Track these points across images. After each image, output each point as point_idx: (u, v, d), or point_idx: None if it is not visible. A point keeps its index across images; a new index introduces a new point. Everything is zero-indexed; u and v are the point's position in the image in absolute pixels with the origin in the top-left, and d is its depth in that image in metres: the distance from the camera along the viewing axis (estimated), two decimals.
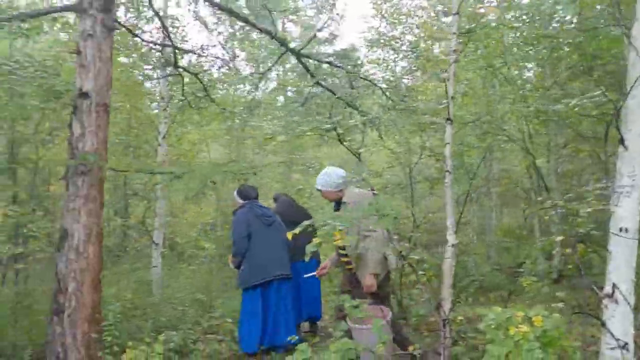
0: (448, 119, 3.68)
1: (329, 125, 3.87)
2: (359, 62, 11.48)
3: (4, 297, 5.39)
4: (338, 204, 4.12)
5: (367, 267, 3.87)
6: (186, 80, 7.01)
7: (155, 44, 5.73)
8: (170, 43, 5.60)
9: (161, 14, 6.77)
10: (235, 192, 5.09)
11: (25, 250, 5.49)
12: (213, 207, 9.60)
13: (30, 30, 4.62)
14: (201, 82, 6.29)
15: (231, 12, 5.02)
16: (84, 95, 4.14)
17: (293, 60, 10.97)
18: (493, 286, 7.35)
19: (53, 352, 3.96)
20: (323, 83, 5.54)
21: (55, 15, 5.00)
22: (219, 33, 7.45)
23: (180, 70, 6.13)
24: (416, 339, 4.55)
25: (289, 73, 15.41)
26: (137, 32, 6.06)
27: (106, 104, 4.27)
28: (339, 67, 5.53)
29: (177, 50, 5.87)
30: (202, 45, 7.09)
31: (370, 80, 5.47)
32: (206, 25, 9.77)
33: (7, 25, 4.18)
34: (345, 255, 4.04)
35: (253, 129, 8.47)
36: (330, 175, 4.08)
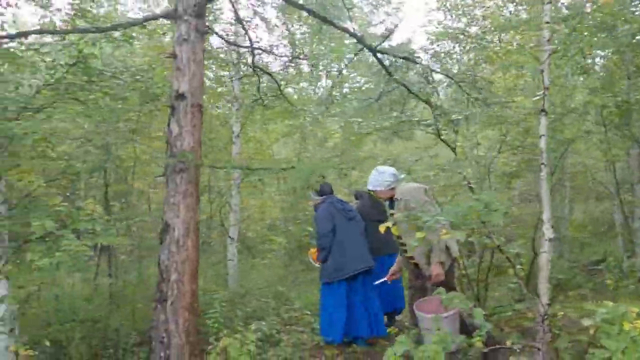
0: (542, 110, 3.62)
1: (430, 120, 3.89)
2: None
3: (104, 287, 5.80)
4: (392, 201, 4.15)
5: (432, 257, 3.89)
6: (252, 79, 7.25)
7: (238, 45, 5.95)
8: (250, 44, 5.80)
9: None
10: (313, 193, 5.23)
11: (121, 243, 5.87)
12: (279, 203, 9.82)
13: (124, 38, 4.94)
14: (276, 81, 6.47)
15: (311, 12, 5.13)
16: (180, 96, 4.39)
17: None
18: (572, 284, 7.11)
19: (157, 337, 4.24)
20: (398, 79, 5.56)
21: (140, 23, 5.32)
22: (288, 32, 7.58)
23: (257, 70, 6.33)
24: (496, 334, 4.50)
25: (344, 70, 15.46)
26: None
27: (200, 104, 4.51)
28: (415, 62, 5.52)
29: (254, 51, 6.07)
30: (271, 45, 7.31)
31: (447, 75, 5.44)
32: (269, 25, 10.03)
33: (109, 34, 4.48)
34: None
35: (322, 126, 8.60)
36: (381, 175, 4.14)
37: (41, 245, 3.63)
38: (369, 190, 4.30)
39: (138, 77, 4.43)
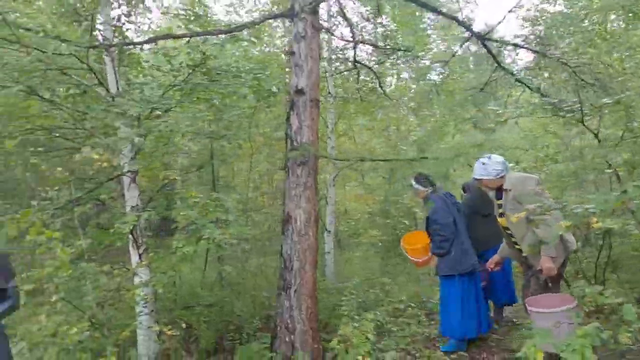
0: None
1: (568, 107, 3.74)
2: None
3: (216, 274, 6.11)
4: (499, 191, 3.94)
5: (545, 251, 3.67)
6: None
7: (347, 40, 6.04)
8: (353, 39, 5.87)
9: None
10: (414, 181, 5.07)
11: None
12: (372, 196, 9.80)
13: (233, 40, 5.18)
14: (376, 75, 6.51)
15: (421, 4, 5.10)
16: (299, 92, 4.55)
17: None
18: None
19: (282, 322, 4.45)
20: (507, 67, 5.39)
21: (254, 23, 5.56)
22: (382, 25, 7.57)
23: (358, 64, 6.40)
24: None
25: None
26: None
27: (318, 99, 4.65)
28: (524, 47, 5.33)
29: (356, 45, 6.14)
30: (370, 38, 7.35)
31: (560, 60, 5.19)
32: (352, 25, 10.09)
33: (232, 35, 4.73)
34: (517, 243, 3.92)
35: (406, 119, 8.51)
36: (489, 163, 3.89)
37: (183, 234, 3.93)
38: (474, 179, 4.14)
39: (259, 74, 4.62)
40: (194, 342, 4.88)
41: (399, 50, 6.09)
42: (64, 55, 4.28)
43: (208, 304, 5.05)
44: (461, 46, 5.37)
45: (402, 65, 7.87)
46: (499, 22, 5.16)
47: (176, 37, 4.87)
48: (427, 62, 7.57)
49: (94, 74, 4.49)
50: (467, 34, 5.30)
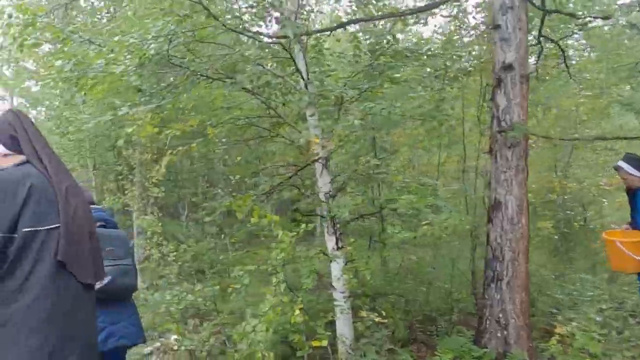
0: None
1: None
2: None
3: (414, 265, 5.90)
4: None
5: None
6: None
7: (541, 9, 5.50)
8: (543, 6, 5.31)
9: None
10: (625, 163, 4.42)
11: None
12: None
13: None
14: (562, 50, 5.85)
15: None
16: (508, 67, 4.18)
17: None
18: None
19: (492, 316, 4.14)
20: None
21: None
22: None
23: (542, 38, 5.80)
24: None
25: None
26: None
27: (527, 74, 4.25)
28: None
29: (545, 16, 5.55)
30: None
31: None
32: None
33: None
34: None
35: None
36: None
37: (398, 219, 3.80)
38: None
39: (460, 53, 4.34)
40: (387, 330, 4.78)
41: (598, 18, 5.40)
42: (263, 46, 4.40)
43: (399, 293, 4.92)
44: None
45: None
46: None
47: (366, 20, 4.77)
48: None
49: (294, 61, 4.55)
50: None
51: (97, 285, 2.14)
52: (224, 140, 5.59)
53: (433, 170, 6.23)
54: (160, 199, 8.04)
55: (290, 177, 4.60)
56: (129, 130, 4.62)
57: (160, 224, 6.41)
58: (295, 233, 3.72)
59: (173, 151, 4.36)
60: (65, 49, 4.42)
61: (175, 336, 5.68)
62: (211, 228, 7.28)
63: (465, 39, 6.09)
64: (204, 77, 4.47)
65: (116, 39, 3.74)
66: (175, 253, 6.20)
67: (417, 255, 5.46)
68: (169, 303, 4.63)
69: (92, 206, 2.49)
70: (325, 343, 3.92)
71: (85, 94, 5.33)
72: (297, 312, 3.67)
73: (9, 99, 29.73)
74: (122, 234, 2.81)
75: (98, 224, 2.55)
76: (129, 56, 3.83)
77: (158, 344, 5.63)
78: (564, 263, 7.37)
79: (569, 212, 8.19)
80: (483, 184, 5.04)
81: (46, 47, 9.05)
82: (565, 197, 7.91)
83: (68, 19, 5.81)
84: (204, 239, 6.95)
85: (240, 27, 4.65)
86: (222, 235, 6.57)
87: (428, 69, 5.03)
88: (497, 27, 4.28)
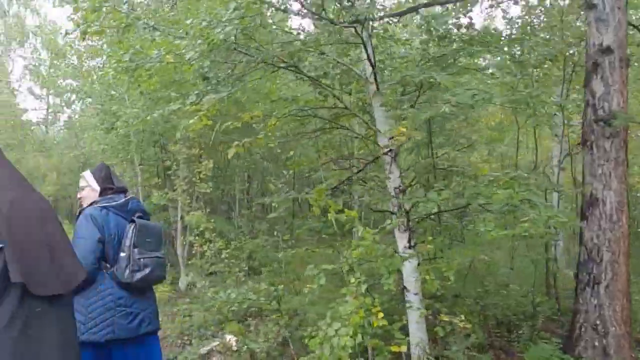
0: None
1: None
2: None
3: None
4: None
5: None
6: None
7: None
8: None
9: None
10: None
11: None
12: None
13: None
14: None
15: None
16: (605, 50, 3.81)
17: None
18: None
19: (588, 323, 3.79)
20: None
21: None
22: None
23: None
24: None
25: None
26: None
27: (627, 58, 3.87)
28: None
29: None
30: None
31: None
32: None
33: None
34: None
35: None
36: None
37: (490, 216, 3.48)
38: None
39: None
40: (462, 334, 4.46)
41: None
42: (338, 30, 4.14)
43: (476, 295, 4.59)
44: None
45: None
46: None
47: (440, 3, 4.45)
48: None
49: (365, 48, 4.27)
50: None
51: (138, 275, 2.45)
52: (278, 133, 5.37)
53: (508, 163, 5.85)
54: (207, 194, 7.89)
55: (359, 171, 4.32)
56: (191, 121, 4.45)
57: (212, 220, 6.21)
58: (378, 229, 3.44)
59: (239, 143, 4.13)
60: (128, 36, 4.26)
61: (231, 336, 5.50)
62: (261, 225, 7.07)
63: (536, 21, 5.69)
64: (271, 65, 4.24)
65: (188, 21, 3.53)
66: (227, 250, 6.01)
67: (489, 255, 5.11)
68: (231, 302, 4.42)
69: (133, 196, 2.72)
70: (404, 348, 3.64)
71: (139, 85, 5.18)
72: (380, 314, 3.39)
73: (45, 98, 30.40)
74: (158, 226, 2.84)
75: (137, 214, 2.64)
76: (199, 41, 3.63)
77: (215, 343, 5.45)
78: None
79: None
80: (564, 177, 4.66)
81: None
82: None
83: (131, 6, 5.66)
84: (255, 236, 6.75)
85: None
86: (275, 232, 6.34)
87: (507, 56, 4.67)
88: (592, 6, 3.91)
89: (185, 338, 6.15)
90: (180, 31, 3.78)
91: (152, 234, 2.65)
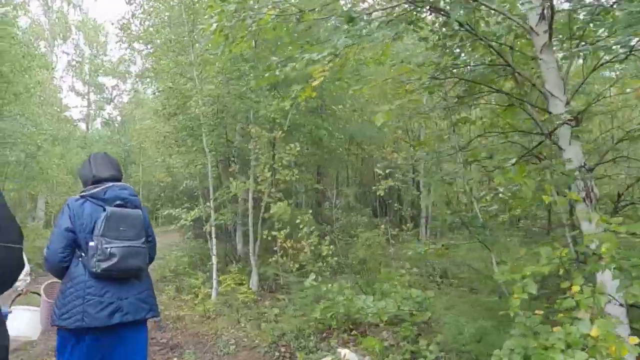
0: None
1: None
2: None
3: None
4: None
5: None
6: None
7: None
8: None
9: None
10: None
11: None
12: None
13: None
14: None
15: None
16: None
17: None
18: None
19: None
20: None
21: None
22: None
23: None
24: None
25: None
26: None
27: None
28: None
29: None
30: None
31: None
32: None
33: None
34: None
35: None
36: None
37: None
38: None
39: None
40: None
41: None
42: None
43: None
44: None
45: None
46: None
47: None
48: None
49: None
50: None
51: (104, 265, 2.44)
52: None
53: None
54: (286, 183, 7.01)
55: (536, 146, 3.30)
56: (315, 83, 3.58)
57: (310, 212, 5.31)
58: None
59: (390, 107, 3.17)
60: None
61: (346, 350, 4.60)
62: (362, 217, 6.13)
63: None
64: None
65: None
66: (332, 247, 5.10)
67: None
68: (380, 311, 3.48)
69: (116, 183, 2.67)
70: None
71: (237, 44, 4.29)
72: (634, 339, 2.38)
73: (86, 96, 30.35)
74: (136, 214, 2.70)
75: (116, 202, 2.62)
76: None
77: (329, 358, 4.56)
78: None
79: None
80: None
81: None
82: None
83: None
84: (357, 229, 5.81)
85: None
86: (377, 222, 5.40)
87: None
88: None
89: (283, 349, 5.29)
90: None
91: (127, 223, 2.61)
